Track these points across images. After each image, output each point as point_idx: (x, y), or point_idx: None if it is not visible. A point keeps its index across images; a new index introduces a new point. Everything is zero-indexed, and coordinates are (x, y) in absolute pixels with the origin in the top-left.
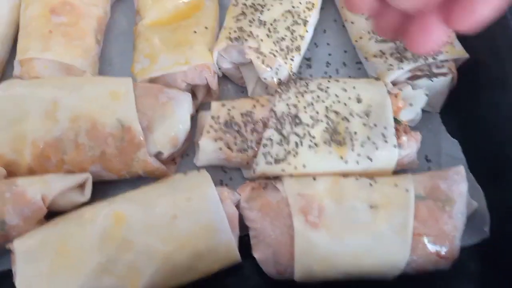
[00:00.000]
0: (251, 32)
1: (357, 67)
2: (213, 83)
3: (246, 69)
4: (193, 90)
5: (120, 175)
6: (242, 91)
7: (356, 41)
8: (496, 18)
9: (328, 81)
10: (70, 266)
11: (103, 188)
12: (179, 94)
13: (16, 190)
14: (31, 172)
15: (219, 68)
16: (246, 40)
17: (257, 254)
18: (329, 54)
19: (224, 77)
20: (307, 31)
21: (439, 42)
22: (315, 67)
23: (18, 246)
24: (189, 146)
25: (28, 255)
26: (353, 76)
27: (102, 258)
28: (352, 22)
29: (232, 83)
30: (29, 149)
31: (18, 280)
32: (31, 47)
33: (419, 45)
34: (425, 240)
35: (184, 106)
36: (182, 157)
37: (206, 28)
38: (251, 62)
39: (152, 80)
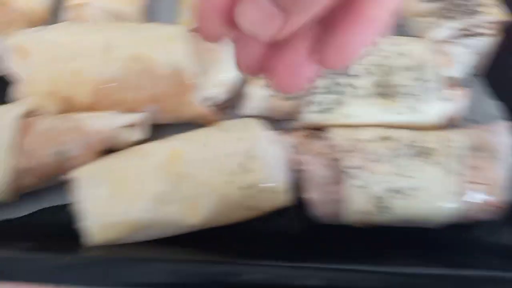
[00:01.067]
0: None
1: (399, 25)
2: None
3: None
4: None
5: (174, 117)
6: None
7: None
8: None
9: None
10: (131, 193)
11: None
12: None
13: (76, 122)
14: (87, 110)
15: None
16: None
17: (310, 195)
18: None
19: None
20: None
21: (309, 81)
22: None
23: (80, 173)
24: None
25: (90, 182)
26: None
27: (161, 188)
28: None
29: None
30: (85, 87)
31: (80, 206)
32: None
33: (287, 86)
34: (474, 188)
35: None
36: (233, 107)
37: None
38: None
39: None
